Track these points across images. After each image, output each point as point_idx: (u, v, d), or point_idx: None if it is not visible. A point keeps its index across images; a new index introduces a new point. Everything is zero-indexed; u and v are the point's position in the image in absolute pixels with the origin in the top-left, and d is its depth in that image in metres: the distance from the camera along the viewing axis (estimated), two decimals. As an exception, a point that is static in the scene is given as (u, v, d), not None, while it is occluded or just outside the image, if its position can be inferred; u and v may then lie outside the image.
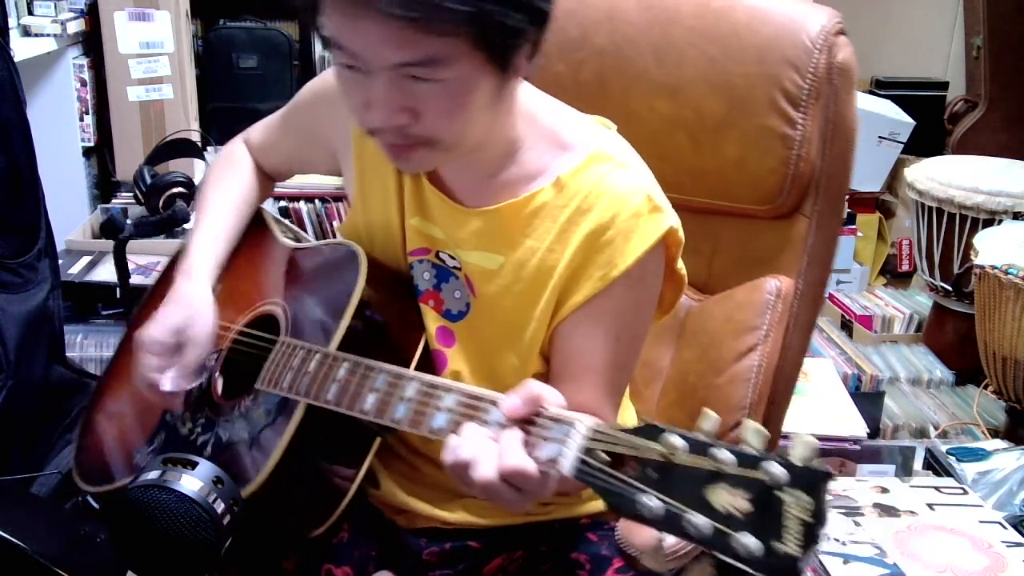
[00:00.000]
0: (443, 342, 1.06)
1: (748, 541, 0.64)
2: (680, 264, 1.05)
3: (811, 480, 0.63)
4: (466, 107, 0.89)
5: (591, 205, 0.99)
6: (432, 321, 1.06)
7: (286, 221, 1.30)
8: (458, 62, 0.85)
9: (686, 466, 0.69)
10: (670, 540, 0.68)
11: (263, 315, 1.12)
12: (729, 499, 0.66)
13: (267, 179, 1.28)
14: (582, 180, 1.00)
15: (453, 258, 1.05)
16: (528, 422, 0.80)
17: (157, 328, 1.07)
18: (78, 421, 1.28)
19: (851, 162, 1.22)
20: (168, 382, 1.05)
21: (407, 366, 1.00)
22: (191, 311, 1.08)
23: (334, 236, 1.63)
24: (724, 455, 0.67)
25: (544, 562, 1.11)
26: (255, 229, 1.23)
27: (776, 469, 0.64)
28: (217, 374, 1.10)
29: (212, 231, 1.17)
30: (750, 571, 0.64)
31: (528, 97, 1.02)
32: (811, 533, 0.63)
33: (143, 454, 1.10)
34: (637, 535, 1.00)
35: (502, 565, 1.12)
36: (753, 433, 0.68)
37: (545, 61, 0.95)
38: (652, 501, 0.69)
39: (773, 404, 1.21)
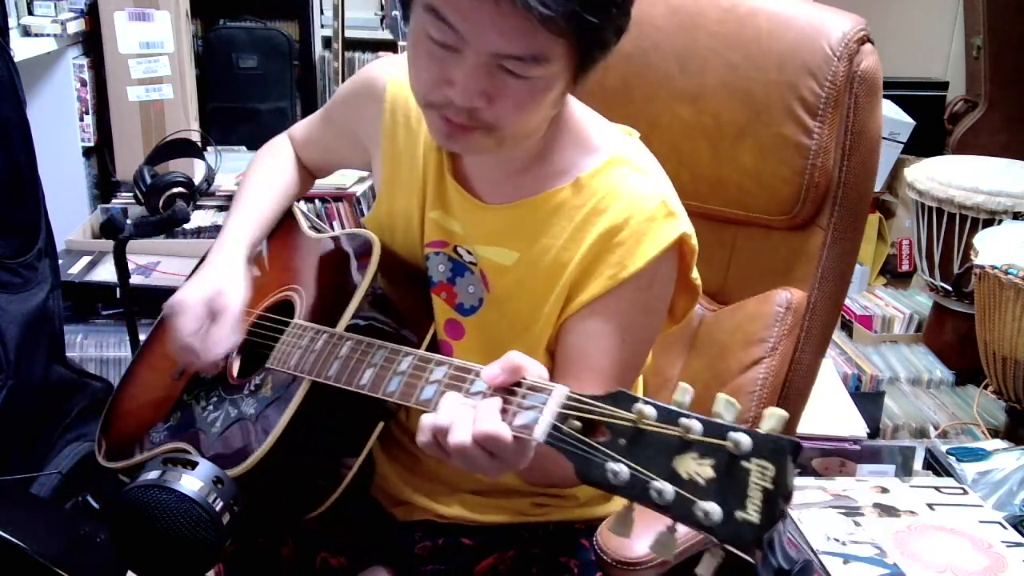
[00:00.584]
0: (451, 334, 1.08)
1: (710, 507, 0.64)
2: (695, 274, 1.05)
3: (775, 449, 0.64)
4: (538, 104, 0.91)
5: (607, 206, 1.00)
6: (442, 313, 1.08)
7: (311, 216, 1.34)
8: (554, 64, 0.87)
9: (654, 433, 0.69)
10: (682, 531, 0.68)
11: (282, 301, 1.16)
12: (695, 467, 0.67)
13: (307, 174, 1.31)
14: (600, 182, 1.01)
15: (470, 253, 1.07)
16: (509, 392, 0.80)
17: (189, 293, 1.09)
18: (79, 421, 1.29)
19: (873, 174, 1.19)
20: (202, 346, 1.07)
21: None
22: (223, 280, 1.10)
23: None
24: (691, 423, 0.68)
25: (533, 564, 1.12)
26: (286, 222, 1.26)
27: (741, 438, 0.64)
28: (235, 355, 1.14)
29: (248, 214, 1.21)
30: (712, 538, 0.65)
31: (565, 104, 1.03)
32: (772, 501, 0.63)
33: (159, 431, 1.13)
34: (614, 540, 1.00)
35: (493, 564, 1.13)
36: (725, 405, 0.68)
37: None
38: (620, 467, 0.69)
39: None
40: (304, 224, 1.27)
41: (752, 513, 0.63)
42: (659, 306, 1.04)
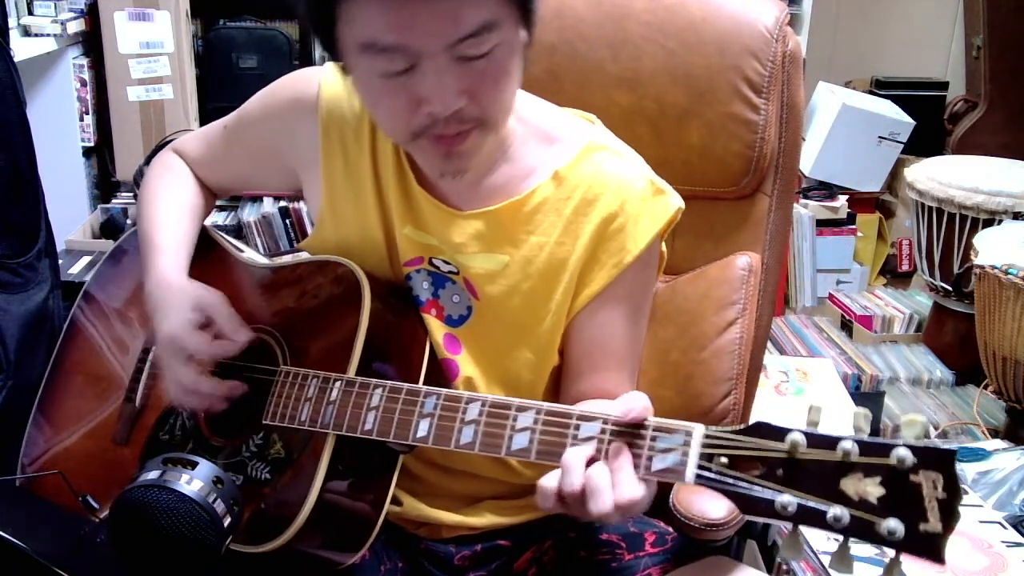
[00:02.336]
0: (451, 350, 1.05)
1: (893, 525, 0.67)
2: (663, 243, 1.07)
3: (940, 459, 0.67)
4: (509, 78, 0.90)
5: (596, 195, 1.00)
6: (437, 330, 1.05)
7: (227, 237, 1.21)
8: (503, 24, 0.86)
9: (811, 460, 0.71)
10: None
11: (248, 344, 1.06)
12: (863, 487, 0.69)
13: (210, 195, 1.22)
14: (580, 172, 1.01)
15: (448, 263, 1.04)
16: (634, 436, 0.80)
17: (175, 319, 1.01)
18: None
19: (800, 142, 1.31)
20: (224, 347, 0.99)
21: (416, 378, 0.99)
22: (188, 294, 1.03)
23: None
24: (848, 445, 0.69)
25: (578, 548, 1.10)
26: (205, 248, 1.16)
27: (904, 454, 0.67)
28: (201, 413, 1.05)
29: (174, 236, 1.11)
30: (898, 553, 0.67)
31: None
32: (949, 509, 0.66)
33: None
34: (694, 506, 1.03)
35: (534, 558, 1.13)
36: (863, 419, 0.70)
37: None
38: (787, 499, 0.71)
39: (751, 374, 1.27)
40: (240, 251, 1.16)
41: (935, 524, 0.66)
42: (654, 279, 1.09)
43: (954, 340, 2.61)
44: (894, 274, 3.37)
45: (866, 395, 2.37)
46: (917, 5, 3.64)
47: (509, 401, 0.87)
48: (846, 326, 2.82)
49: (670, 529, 1.09)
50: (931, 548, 0.67)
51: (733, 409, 1.22)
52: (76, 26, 2.57)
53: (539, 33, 1.27)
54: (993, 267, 2.11)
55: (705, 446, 0.76)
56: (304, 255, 1.11)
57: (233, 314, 1.02)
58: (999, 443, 2.07)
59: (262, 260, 1.15)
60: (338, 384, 0.95)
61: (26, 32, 2.42)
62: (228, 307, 1.03)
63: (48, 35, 2.45)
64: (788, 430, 0.72)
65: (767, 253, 1.30)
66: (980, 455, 1.98)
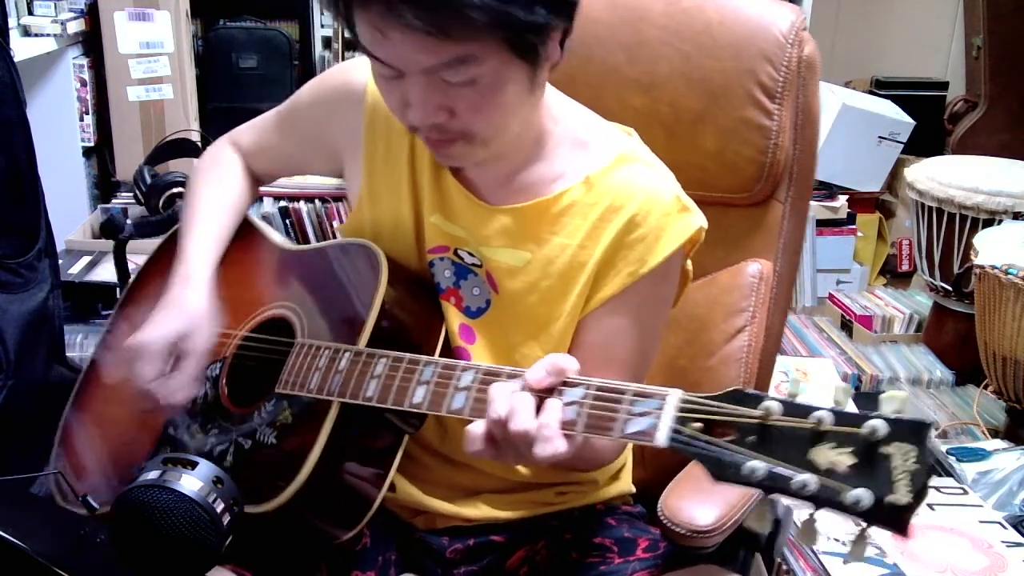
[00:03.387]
0: (466, 339, 1.08)
1: (860, 494, 0.66)
2: (688, 262, 1.08)
3: (912, 430, 0.66)
4: (500, 102, 0.92)
5: (622, 203, 1.01)
6: (454, 318, 1.07)
7: (265, 224, 1.27)
8: (487, 60, 0.88)
9: (785, 428, 0.71)
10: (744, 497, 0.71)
11: (268, 319, 1.10)
12: (833, 456, 0.68)
13: (255, 182, 1.27)
14: (611, 180, 1.02)
15: (472, 255, 1.06)
16: (613, 401, 0.81)
17: (155, 334, 1.04)
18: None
19: (816, 149, 1.30)
20: (165, 392, 1.02)
21: None
22: (191, 320, 1.06)
23: (334, 236, 1.62)
24: (821, 414, 0.69)
25: (571, 550, 1.11)
26: (243, 233, 1.21)
27: (877, 423, 0.67)
28: (224, 382, 1.08)
29: (208, 235, 1.16)
30: (865, 523, 0.67)
31: (554, 96, 1.04)
32: (919, 482, 0.65)
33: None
34: (682, 513, 1.02)
35: (526, 556, 1.13)
36: (843, 393, 0.71)
37: None
38: (757, 464, 0.71)
39: (760, 382, 1.26)
40: (274, 236, 1.21)
41: (903, 495, 0.65)
42: (670, 295, 1.08)
43: (954, 340, 2.61)
44: (894, 274, 3.37)
45: (866, 395, 2.37)
46: (917, 5, 3.64)
47: (501, 369, 0.89)
48: (846, 326, 2.82)
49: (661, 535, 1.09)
50: (897, 520, 0.66)
51: None
52: (76, 26, 2.57)
53: None
54: (993, 267, 2.11)
55: (681, 411, 0.77)
56: (333, 240, 1.16)
57: (194, 370, 1.04)
58: (999, 443, 2.07)
59: (291, 245, 1.20)
60: (347, 355, 0.98)
61: (26, 32, 2.42)
62: (199, 358, 1.04)
63: (48, 35, 2.45)
64: (764, 397, 0.72)
65: (779, 261, 1.29)
66: (980, 455, 1.99)
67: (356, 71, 1.12)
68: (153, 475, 0.93)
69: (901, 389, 2.46)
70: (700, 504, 1.02)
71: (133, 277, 1.31)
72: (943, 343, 2.63)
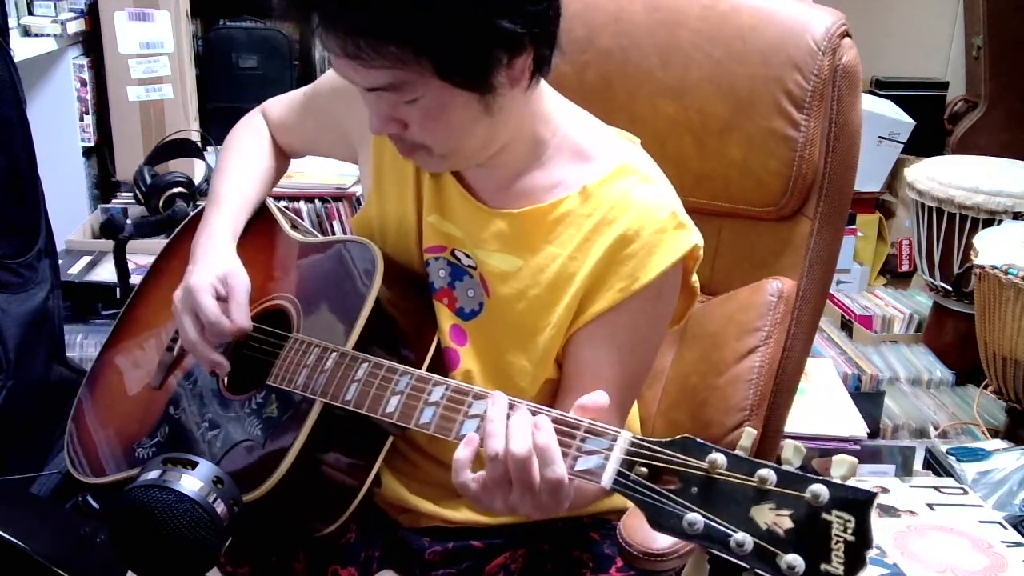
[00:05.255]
0: (456, 340, 1.07)
1: (794, 561, 0.65)
2: (694, 277, 1.06)
3: (855, 501, 0.65)
4: (446, 123, 0.93)
5: (616, 216, 1.00)
6: (446, 319, 1.07)
7: (288, 212, 1.29)
8: (424, 86, 0.89)
9: (727, 482, 0.70)
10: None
11: (271, 309, 1.12)
12: (773, 518, 0.67)
13: (284, 157, 1.29)
14: (608, 191, 1.01)
15: (468, 256, 1.06)
16: (566, 435, 0.81)
17: (198, 278, 1.07)
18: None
19: (855, 164, 1.22)
20: (227, 324, 1.05)
21: (421, 363, 1.01)
22: (225, 262, 1.10)
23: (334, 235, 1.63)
24: (765, 473, 0.68)
25: (547, 561, 1.11)
26: (261, 218, 1.22)
27: (820, 490, 0.65)
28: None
29: (234, 201, 1.18)
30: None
31: (554, 104, 1.03)
32: (856, 554, 0.64)
33: (145, 447, 1.10)
34: (638, 533, 1.00)
35: (504, 564, 1.13)
36: (793, 451, 0.69)
37: None
38: (695, 517, 0.70)
39: (774, 405, 1.20)
40: (284, 223, 1.22)
41: (836, 566, 0.64)
42: (666, 314, 1.05)
43: (954, 340, 2.61)
44: (894, 274, 3.37)
45: (866, 395, 2.37)
46: (917, 5, 3.64)
47: (469, 388, 0.89)
48: (846, 326, 2.82)
49: None
50: None
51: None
52: (76, 26, 2.57)
53: (596, 37, 1.27)
54: (993, 267, 2.11)
55: (629, 453, 0.77)
56: (338, 235, 1.17)
57: (246, 301, 1.08)
58: (999, 443, 2.07)
59: (299, 236, 1.20)
60: (334, 355, 0.99)
61: (26, 32, 2.42)
62: (246, 293, 1.08)
63: (48, 35, 2.45)
64: (711, 448, 0.71)
65: (805, 280, 1.21)
66: (980, 455, 1.99)
67: None
68: (153, 475, 0.93)
69: (901, 389, 2.46)
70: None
71: (151, 267, 1.33)
72: (943, 343, 2.63)
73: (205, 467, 0.94)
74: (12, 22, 2.32)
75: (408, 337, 1.06)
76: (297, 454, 0.95)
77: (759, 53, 1.20)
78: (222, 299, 1.07)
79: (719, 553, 0.68)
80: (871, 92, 3.40)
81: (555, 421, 0.82)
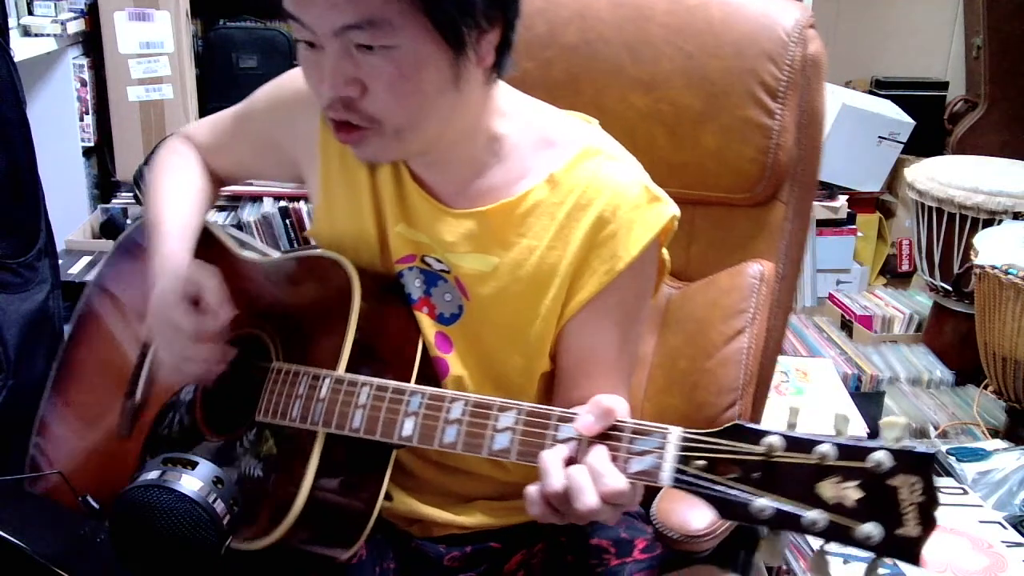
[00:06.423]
0: (442, 348, 1.05)
1: (871, 530, 0.67)
2: (664, 251, 1.06)
3: (916, 462, 0.66)
4: (416, 85, 0.88)
5: (590, 200, 0.99)
6: (429, 328, 1.05)
7: (231, 229, 1.22)
8: (403, 29, 0.85)
9: (787, 463, 0.70)
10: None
11: (241, 336, 1.06)
12: (839, 491, 0.68)
13: (216, 180, 1.23)
14: (576, 176, 1.00)
15: (440, 261, 1.04)
16: (610, 438, 0.80)
17: (167, 286, 1.01)
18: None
19: (821, 149, 1.29)
20: (208, 329, 0.98)
21: (409, 376, 0.98)
22: (189, 271, 1.03)
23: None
24: (824, 449, 0.69)
25: (567, 552, 1.10)
26: (205, 242, 1.16)
27: (880, 456, 0.67)
28: (199, 407, 1.06)
29: (178, 223, 1.11)
30: (876, 555, 0.67)
31: (508, 96, 1.02)
32: (927, 514, 0.66)
33: None
34: (673, 517, 1.02)
35: (523, 560, 1.12)
36: (843, 422, 0.70)
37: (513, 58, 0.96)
38: (764, 503, 0.70)
39: (760, 383, 1.25)
40: (233, 245, 1.16)
41: (912, 528, 0.66)
42: (650, 287, 1.06)
43: (954, 340, 2.61)
44: (894, 274, 3.37)
45: (866, 395, 2.37)
46: (917, 5, 3.64)
47: (491, 401, 0.87)
48: (846, 326, 2.82)
49: None
50: (908, 552, 0.66)
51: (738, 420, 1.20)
52: (76, 26, 2.57)
53: (559, 33, 1.30)
54: (993, 267, 2.11)
55: (682, 448, 0.76)
56: (299, 251, 1.12)
57: (221, 289, 1.01)
58: (999, 443, 2.07)
59: (257, 256, 1.15)
60: (327, 381, 0.94)
61: (26, 32, 2.41)
62: (217, 282, 1.02)
63: (48, 35, 2.45)
64: (765, 432, 0.72)
65: (782, 262, 1.27)
66: (980, 455, 1.98)
67: None
68: (153, 475, 0.92)
69: (901, 389, 2.46)
70: (692, 508, 1.02)
71: (82, 315, 1.25)
72: (943, 343, 2.63)
73: (205, 467, 0.93)
74: (12, 22, 2.32)
75: (394, 350, 1.02)
76: (309, 490, 0.91)
77: (732, 45, 1.24)
78: (195, 301, 1.01)
79: (794, 531, 0.69)
80: (871, 92, 3.40)
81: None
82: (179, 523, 0.90)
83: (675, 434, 0.77)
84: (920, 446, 0.67)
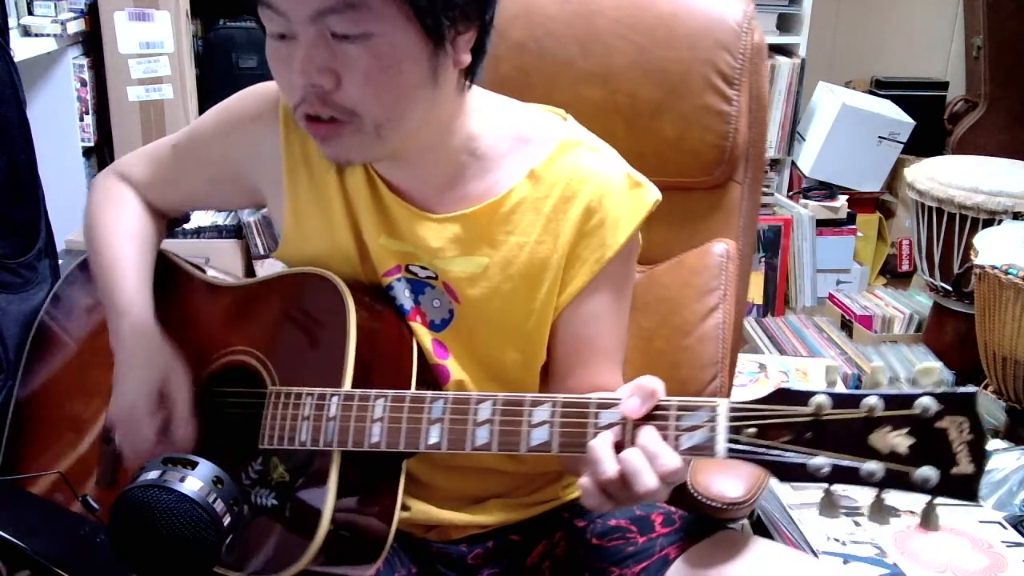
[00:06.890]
0: (440, 355, 1.05)
1: (928, 473, 0.70)
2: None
3: (961, 402, 0.69)
4: (393, 78, 0.87)
5: (575, 192, 1.00)
6: (425, 336, 1.04)
7: (184, 260, 1.17)
8: (382, 16, 0.84)
9: (837, 420, 0.73)
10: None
11: (224, 368, 1.04)
12: (891, 440, 0.71)
13: (160, 217, 1.19)
14: (558, 169, 1.00)
15: (425, 268, 1.03)
16: (654, 417, 0.81)
17: (132, 395, 1.01)
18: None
19: (767, 130, 1.38)
20: (170, 444, 0.99)
21: (408, 385, 0.98)
22: (159, 362, 1.02)
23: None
24: (872, 401, 0.71)
25: (590, 535, 1.10)
26: (166, 273, 1.14)
27: (927, 401, 0.70)
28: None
29: (132, 270, 1.09)
30: (933, 498, 0.71)
31: (479, 97, 1.01)
32: (979, 450, 0.69)
33: None
34: (713, 487, 1.07)
35: (545, 551, 1.13)
36: (881, 374, 0.73)
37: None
38: (819, 461, 0.73)
39: (733, 354, 1.31)
40: (196, 272, 1.13)
41: (967, 466, 0.69)
42: (634, 268, 1.09)
43: (954, 340, 2.61)
44: (894, 274, 3.37)
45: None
46: (917, 5, 3.64)
47: (522, 397, 0.86)
48: (846, 326, 2.82)
49: (672, 508, 1.10)
50: (966, 490, 0.69)
51: (720, 391, 1.25)
52: (76, 26, 2.57)
53: (505, 31, 1.32)
54: (993, 267, 2.11)
55: (731, 419, 0.77)
56: (277, 270, 1.08)
57: (188, 401, 1.01)
58: (999, 443, 2.07)
59: (231, 279, 1.12)
60: (335, 399, 0.92)
61: (26, 32, 2.41)
62: (188, 391, 1.02)
63: (48, 35, 2.44)
64: (812, 393, 0.74)
65: (741, 239, 1.34)
66: (980, 455, 1.98)
67: (264, 94, 1.07)
68: (153, 475, 0.92)
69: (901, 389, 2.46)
70: (726, 477, 1.07)
71: (34, 337, 1.23)
72: (943, 343, 2.63)
73: (205, 467, 0.93)
74: (12, 22, 2.32)
75: (392, 361, 1.01)
76: (332, 512, 0.89)
77: (685, 38, 1.30)
78: (162, 408, 1.01)
79: (852, 484, 0.72)
80: (871, 92, 3.41)
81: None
82: (179, 523, 0.90)
83: (724, 406, 0.78)
84: (962, 389, 0.70)
